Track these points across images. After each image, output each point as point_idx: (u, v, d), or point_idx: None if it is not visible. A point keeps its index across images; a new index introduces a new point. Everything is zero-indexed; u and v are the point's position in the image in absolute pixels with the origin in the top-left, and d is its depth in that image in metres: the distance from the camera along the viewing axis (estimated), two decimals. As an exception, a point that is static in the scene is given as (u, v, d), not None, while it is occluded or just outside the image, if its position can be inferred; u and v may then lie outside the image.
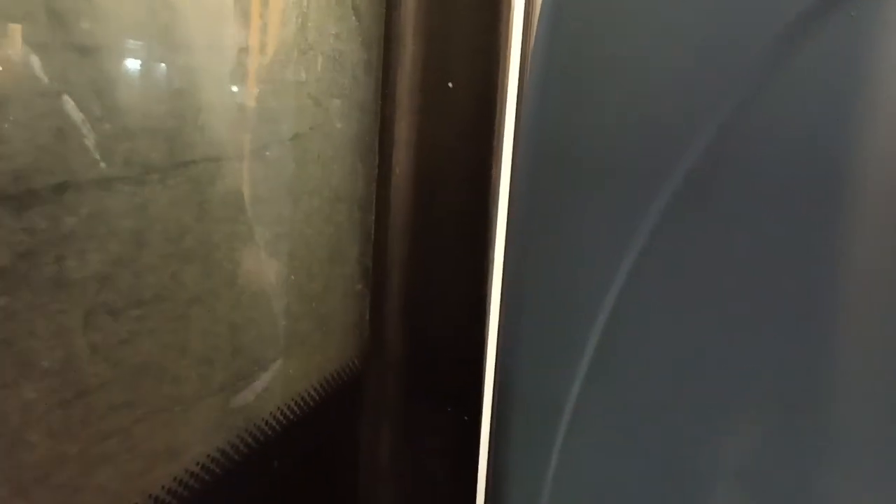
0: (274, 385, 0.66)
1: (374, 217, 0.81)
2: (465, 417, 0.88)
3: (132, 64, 0.45)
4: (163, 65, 0.47)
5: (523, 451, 0.68)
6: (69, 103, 0.40)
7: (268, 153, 0.60)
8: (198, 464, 0.56)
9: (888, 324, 0.45)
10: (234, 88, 0.55)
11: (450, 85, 0.79)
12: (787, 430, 0.49)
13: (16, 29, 0.37)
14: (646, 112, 0.54)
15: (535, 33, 0.63)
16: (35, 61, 0.38)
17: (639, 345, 0.56)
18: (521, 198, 0.68)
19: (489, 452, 0.94)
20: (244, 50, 0.56)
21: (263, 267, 0.61)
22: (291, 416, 0.69)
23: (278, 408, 0.67)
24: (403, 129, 0.79)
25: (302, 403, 0.71)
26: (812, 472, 0.49)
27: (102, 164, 0.43)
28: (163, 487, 0.52)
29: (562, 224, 0.62)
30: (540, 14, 0.61)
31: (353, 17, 0.71)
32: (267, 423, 0.65)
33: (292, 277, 0.66)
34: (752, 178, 0.48)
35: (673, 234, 0.53)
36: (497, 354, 0.92)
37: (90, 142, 0.42)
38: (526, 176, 0.66)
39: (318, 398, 0.74)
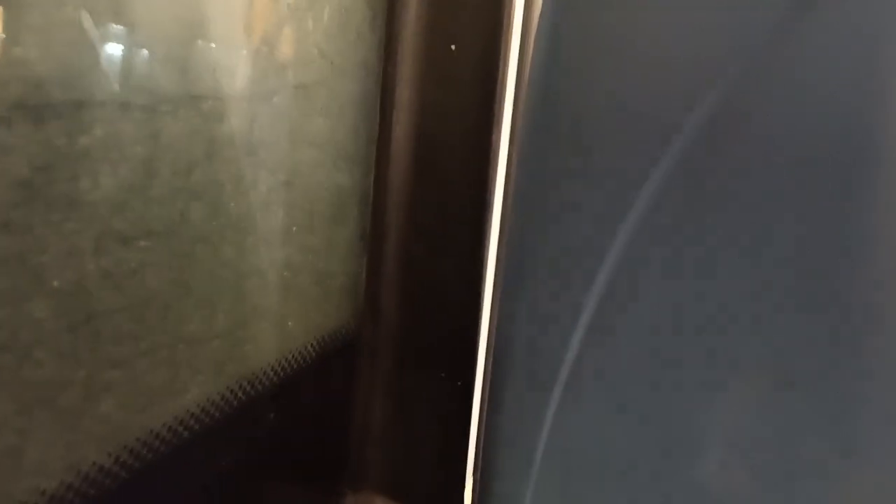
0: (273, 336, 0.66)
1: (373, 178, 0.81)
2: (459, 383, 0.88)
3: (148, -11, 0.45)
4: (178, -6, 0.47)
5: (516, 417, 0.69)
6: (87, 19, 0.40)
7: (275, 99, 0.59)
8: (198, 405, 0.56)
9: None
10: (245, 28, 0.55)
11: (452, 48, 0.79)
12: (782, 400, 0.49)
13: (37, -63, 0.37)
14: (651, 76, 0.54)
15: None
16: (55, -28, 0.38)
17: (636, 311, 0.56)
18: (521, 162, 0.68)
19: (481, 418, 0.94)
20: (255, -10, 0.55)
21: (267, 213, 0.61)
22: (289, 370, 0.69)
23: (277, 360, 0.67)
24: (405, 91, 0.79)
25: (300, 358, 0.71)
26: (806, 442, 0.48)
27: (116, 87, 0.43)
28: (164, 424, 0.52)
29: (561, 189, 0.62)
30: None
31: (360, -27, 0.71)
32: (266, 374, 0.65)
33: (294, 229, 0.66)
34: (757, 147, 0.48)
35: (673, 202, 0.53)
36: (492, 320, 0.92)
37: (105, 62, 0.42)
38: (527, 140, 0.66)
39: (314, 356, 0.74)
